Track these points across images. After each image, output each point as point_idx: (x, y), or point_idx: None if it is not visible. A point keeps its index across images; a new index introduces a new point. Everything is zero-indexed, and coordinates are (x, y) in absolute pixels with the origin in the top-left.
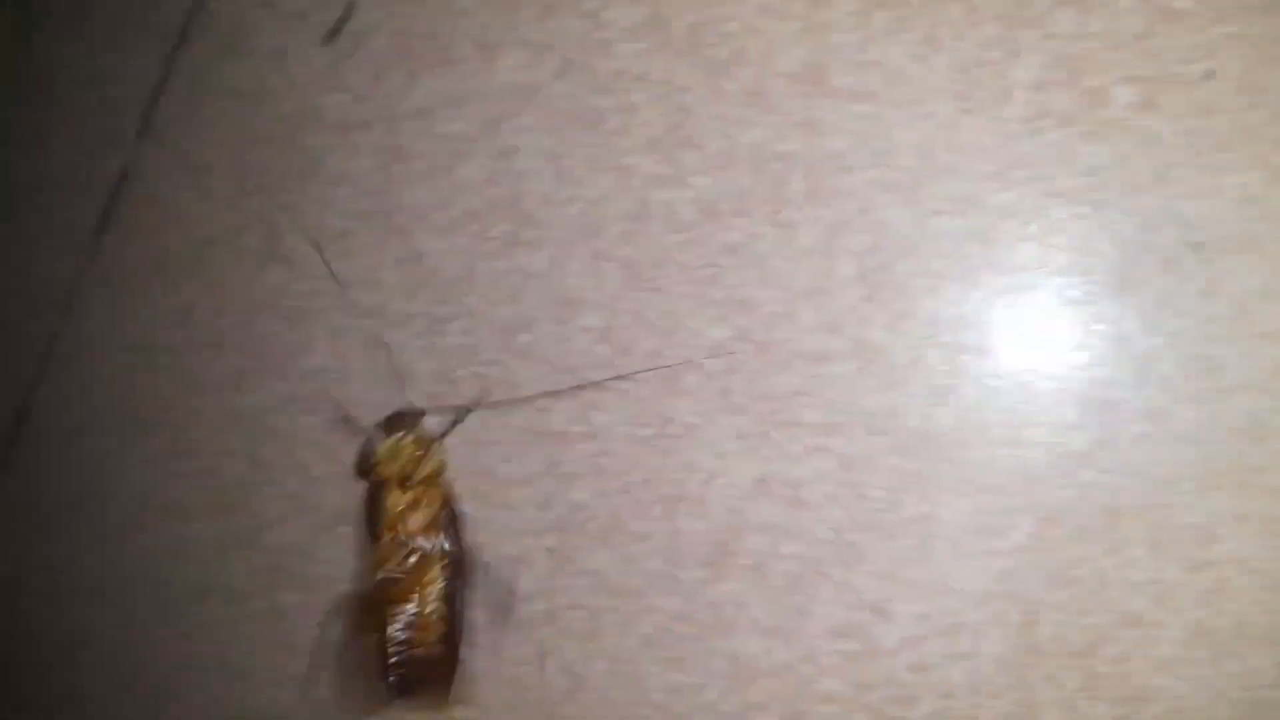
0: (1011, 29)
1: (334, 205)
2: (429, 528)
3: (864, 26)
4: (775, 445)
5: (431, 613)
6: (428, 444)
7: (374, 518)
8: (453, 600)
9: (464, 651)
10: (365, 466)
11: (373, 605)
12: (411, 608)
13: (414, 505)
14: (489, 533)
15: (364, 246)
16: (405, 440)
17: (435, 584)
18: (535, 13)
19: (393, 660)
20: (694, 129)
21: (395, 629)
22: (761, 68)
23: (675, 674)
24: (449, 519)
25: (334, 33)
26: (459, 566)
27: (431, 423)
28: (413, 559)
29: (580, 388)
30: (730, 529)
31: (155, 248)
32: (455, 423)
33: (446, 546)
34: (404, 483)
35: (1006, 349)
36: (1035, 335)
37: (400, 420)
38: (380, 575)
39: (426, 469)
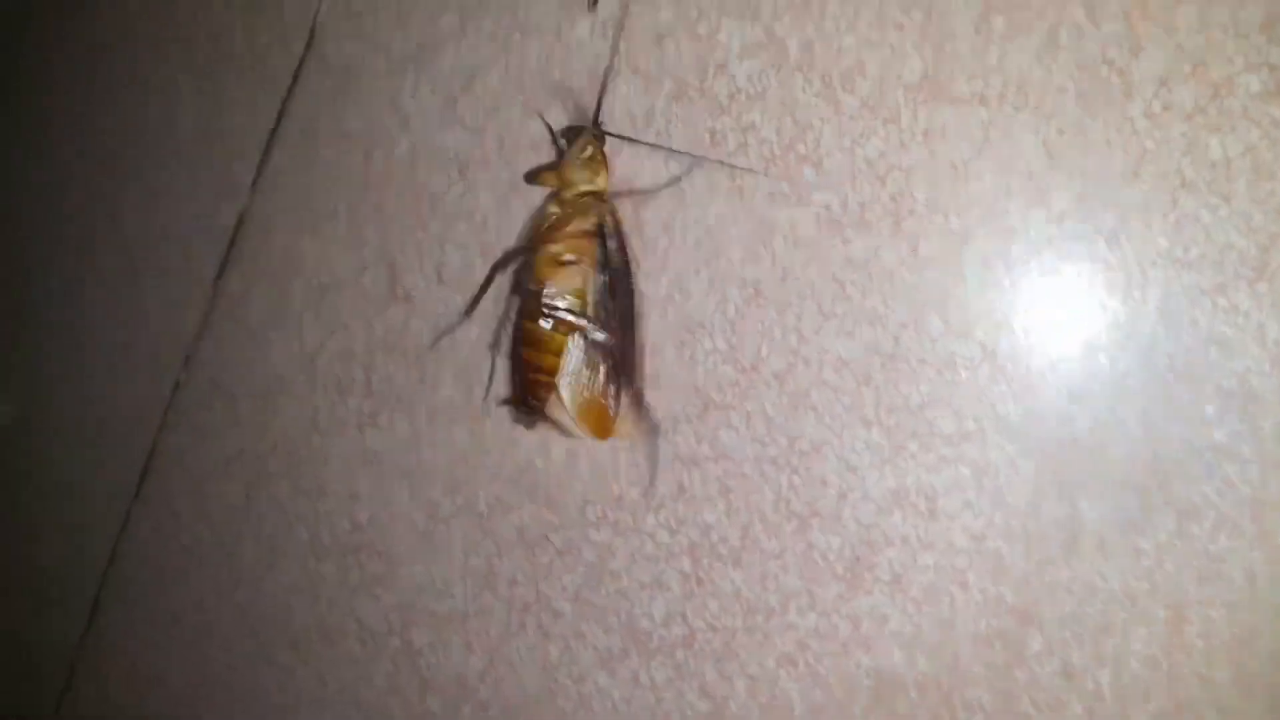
0: (1132, 25)
1: (453, 241)
2: (587, 243)
3: (983, 31)
4: (909, 456)
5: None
6: (604, 161)
7: (534, 230)
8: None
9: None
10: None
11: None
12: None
13: (579, 213)
14: (621, 559)
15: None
16: (595, 151)
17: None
18: (647, 39)
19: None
20: (812, 144)
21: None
22: (880, 79)
23: (816, 691)
24: (610, 230)
25: None
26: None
27: None
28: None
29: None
30: (866, 543)
31: (276, 293)
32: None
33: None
34: (575, 191)
35: (1141, 345)
36: (1170, 330)
37: (585, 134)
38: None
39: (597, 183)
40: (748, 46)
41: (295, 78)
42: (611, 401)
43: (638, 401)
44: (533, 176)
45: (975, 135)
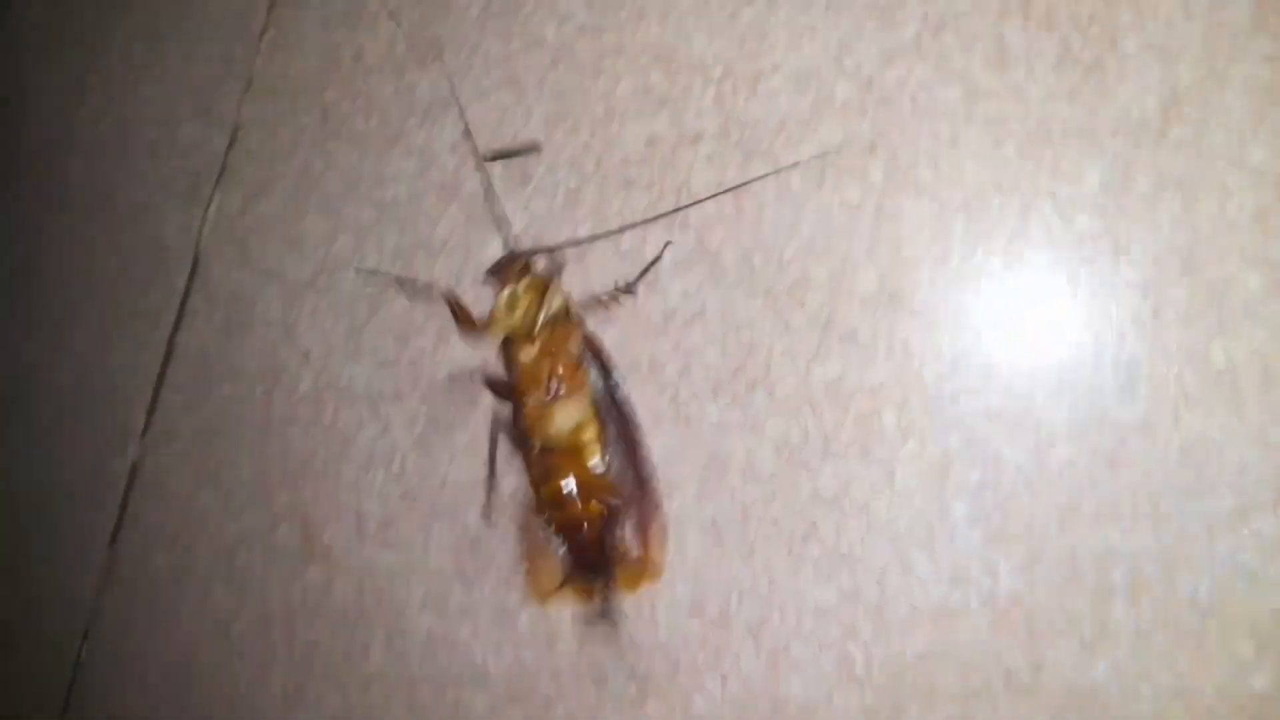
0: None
1: (371, 488)
2: (571, 372)
3: (942, 240)
4: None
5: (604, 467)
6: (543, 285)
7: (513, 382)
8: (621, 443)
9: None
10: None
11: (545, 482)
12: (592, 462)
13: (547, 352)
14: None
15: (410, 532)
16: (517, 288)
17: (594, 433)
18: (570, 254)
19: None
20: (761, 367)
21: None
22: (831, 291)
23: None
24: (591, 356)
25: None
26: (617, 406)
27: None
28: (564, 415)
29: None
30: None
31: (179, 555)
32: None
33: (599, 386)
34: (530, 334)
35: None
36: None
37: (508, 266)
38: (538, 447)
39: (550, 309)
40: (679, 262)
41: (181, 310)
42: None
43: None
44: (481, 330)
45: (949, 352)
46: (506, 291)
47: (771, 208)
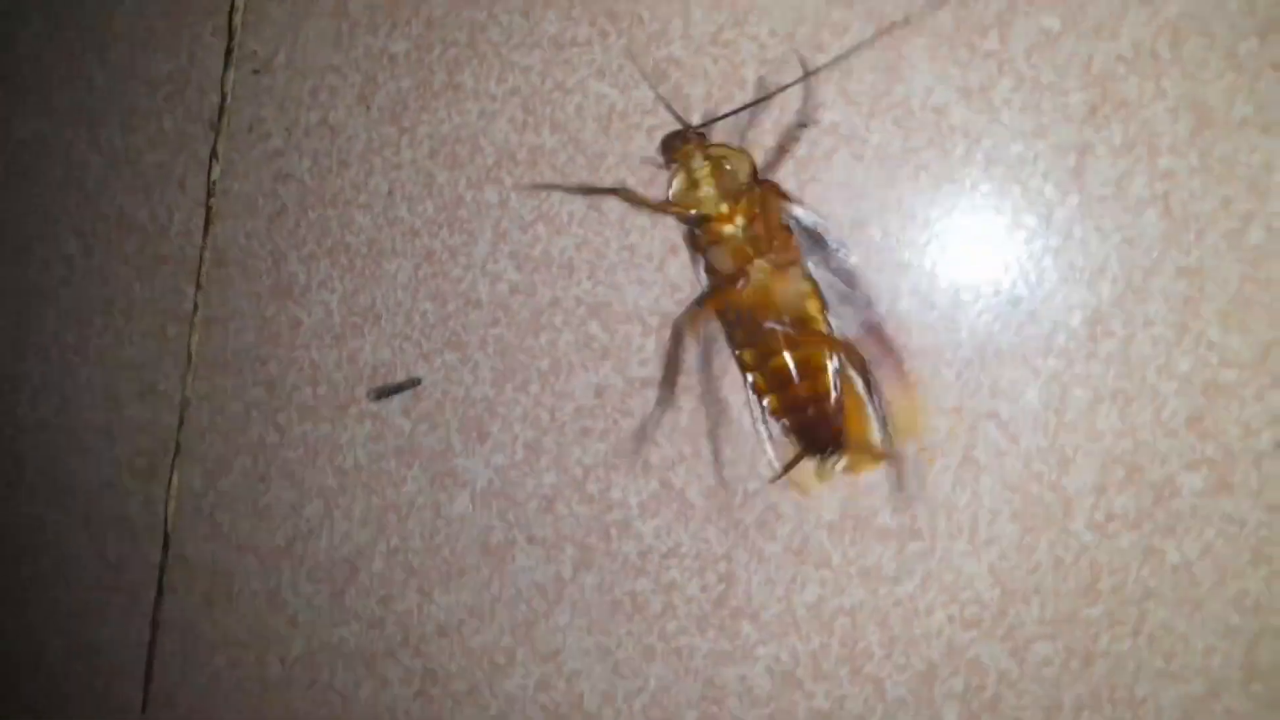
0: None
1: None
2: (782, 239)
3: (894, 462)
4: None
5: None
6: (722, 153)
7: (716, 269)
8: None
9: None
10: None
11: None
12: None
13: (749, 223)
14: None
15: None
16: (694, 164)
17: (818, 302)
18: (536, 506)
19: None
20: (743, 596)
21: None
22: (797, 521)
23: None
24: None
25: (385, 392)
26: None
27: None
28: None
29: None
30: None
31: None
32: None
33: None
34: (724, 208)
35: None
36: None
37: (679, 144)
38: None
39: (739, 177)
40: (645, 502)
41: (160, 586)
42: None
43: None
44: (664, 208)
45: (918, 568)
46: (683, 171)
47: (730, 444)
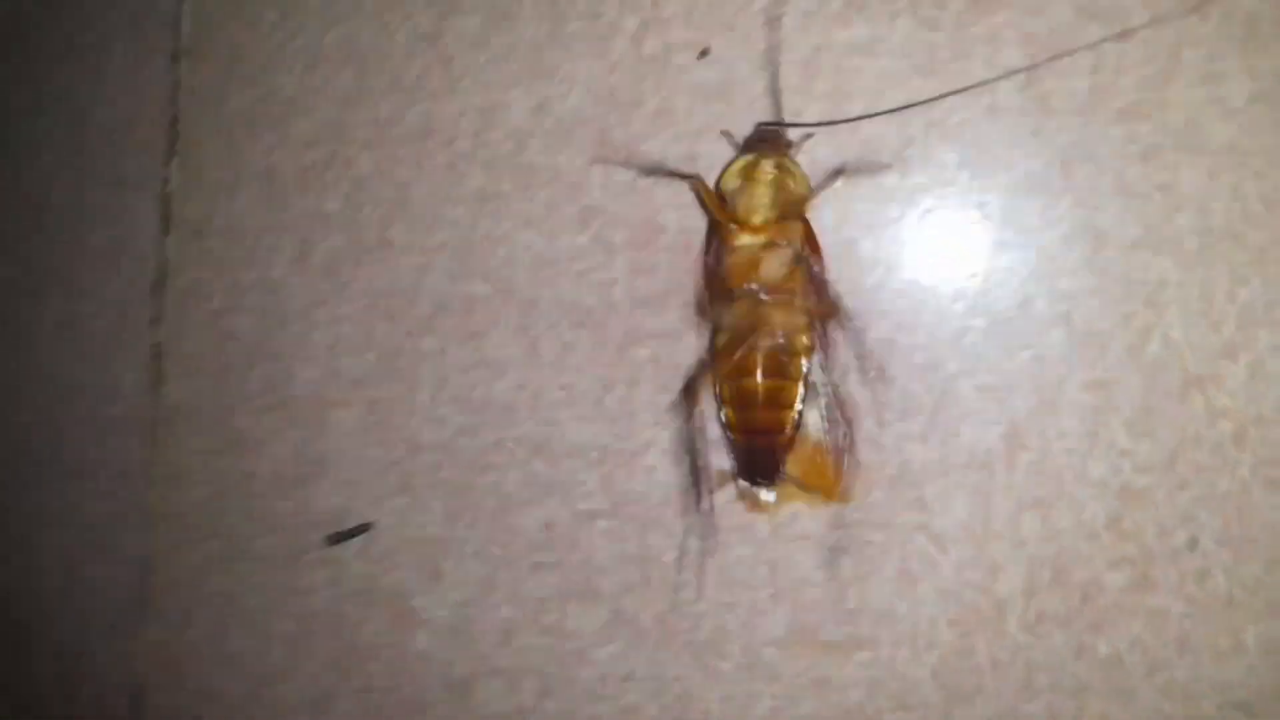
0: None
1: None
2: (791, 276)
3: (836, 578)
4: None
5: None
6: (793, 167)
7: (718, 267)
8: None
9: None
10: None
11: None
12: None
13: (769, 247)
14: None
15: None
16: (768, 161)
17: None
18: (495, 639)
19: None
20: (702, 713)
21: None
22: (746, 639)
23: None
24: (811, 267)
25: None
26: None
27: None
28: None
29: None
30: None
31: None
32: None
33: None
34: (764, 218)
35: None
36: None
37: (772, 135)
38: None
39: (789, 199)
40: (601, 629)
41: None
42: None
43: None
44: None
45: (862, 678)
46: (749, 164)
47: (675, 570)
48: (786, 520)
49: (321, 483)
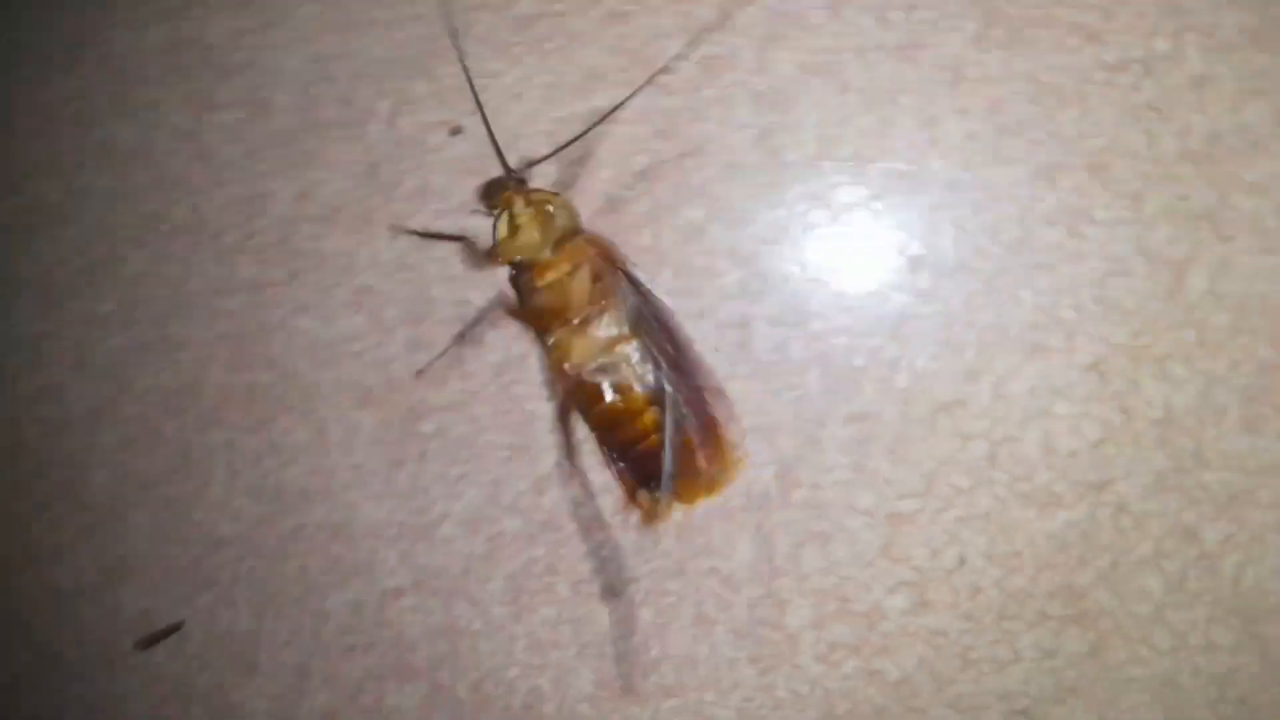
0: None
1: None
2: (599, 292)
3: (634, 629)
4: None
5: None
6: (544, 200)
7: (534, 314)
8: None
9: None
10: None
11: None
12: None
13: (571, 272)
14: None
15: None
16: (515, 210)
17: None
18: None
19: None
20: None
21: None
22: (559, 698)
23: None
24: (617, 273)
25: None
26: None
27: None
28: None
29: None
30: None
31: None
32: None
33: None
34: (544, 255)
35: None
36: None
37: (498, 190)
38: (572, 377)
39: (557, 227)
40: (420, 703)
41: None
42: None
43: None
44: (490, 260)
45: None
46: (506, 216)
47: (484, 638)
48: (586, 578)
49: (126, 586)
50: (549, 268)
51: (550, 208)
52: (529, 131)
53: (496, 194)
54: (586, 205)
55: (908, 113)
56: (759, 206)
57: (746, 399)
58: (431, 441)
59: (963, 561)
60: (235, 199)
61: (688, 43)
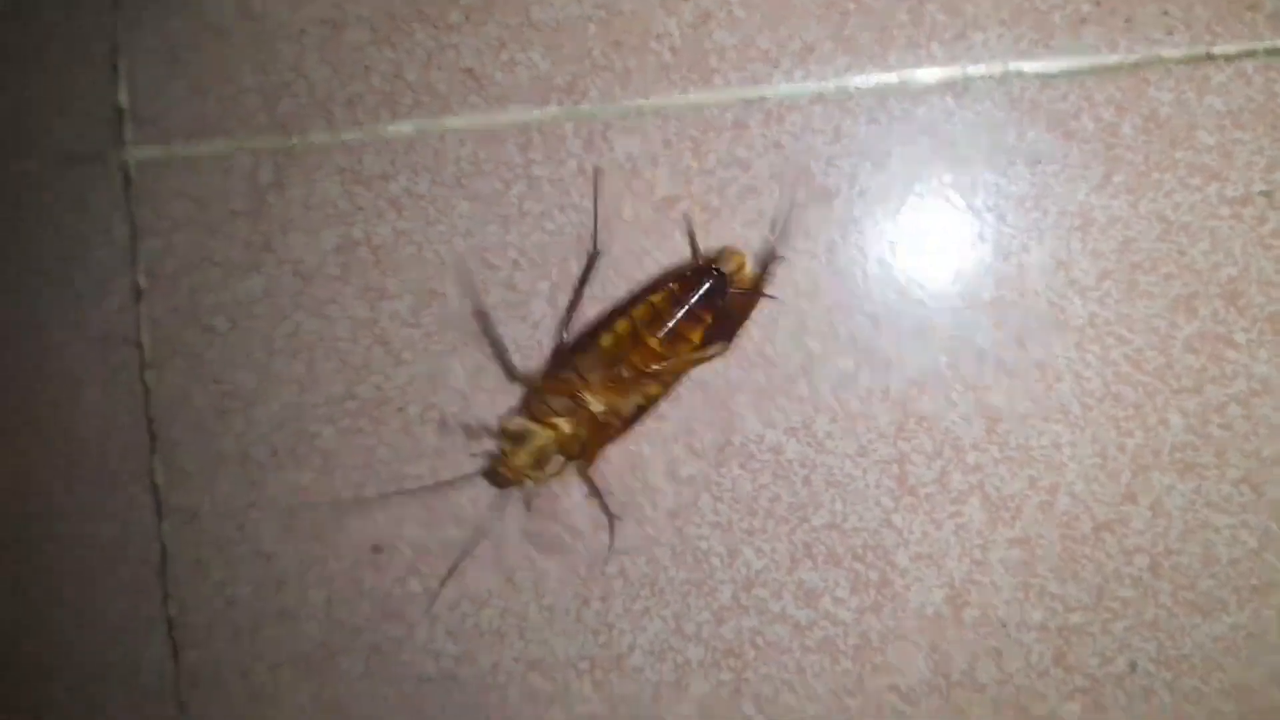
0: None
1: None
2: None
3: None
4: None
5: None
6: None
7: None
8: None
9: None
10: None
11: None
12: None
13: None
14: None
15: None
16: (514, 459)
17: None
18: None
19: None
20: None
21: None
22: None
23: None
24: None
25: None
26: None
27: None
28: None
29: None
30: None
31: None
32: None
33: None
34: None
35: None
36: None
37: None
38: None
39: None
40: None
41: None
42: None
43: None
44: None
45: None
46: (516, 465)
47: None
48: (770, 697)
49: None
50: (571, 440)
51: (535, 440)
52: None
53: (500, 477)
54: (743, 361)
55: (1043, 259)
56: (906, 352)
57: (910, 528)
58: (615, 581)
59: (1134, 666)
60: (416, 376)
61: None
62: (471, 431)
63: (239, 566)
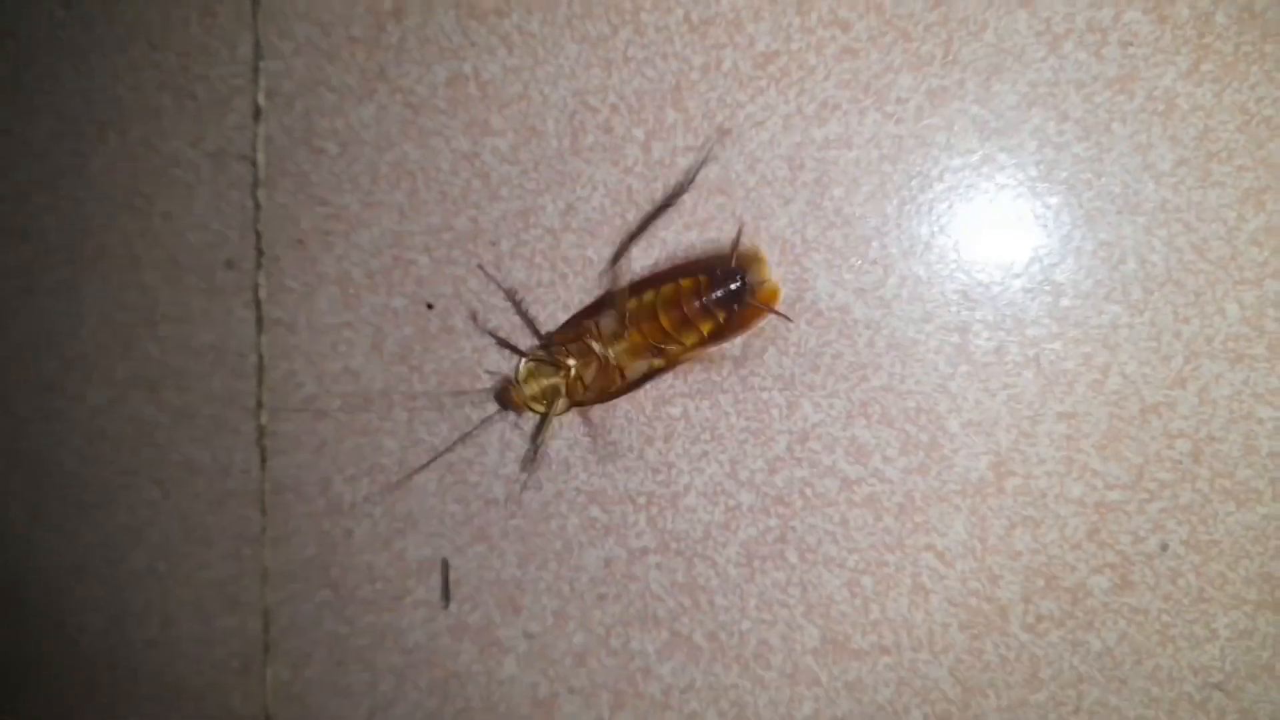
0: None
1: None
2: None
3: (859, 594)
4: None
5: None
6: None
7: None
8: None
9: None
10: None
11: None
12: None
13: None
14: None
15: None
16: (526, 386)
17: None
18: (572, 662)
19: None
20: (754, 717)
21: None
22: (785, 649)
23: None
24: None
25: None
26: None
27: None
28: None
29: None
30: None
31: None
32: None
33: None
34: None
35: None
36: None
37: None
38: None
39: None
40: (662, 648)
41: None
42: None
43: None
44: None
45: (890, 678)
46: (526, 389)
47: (720, 594)
48: (812, 547)
49: (411, 537)
50: (578, 381)
51: (533, 379)
52: (767, 156)
53: (507, 397)
54: (820, 221)
55: (1122, 140)
56: (980, 225)
57: (964, 395)
58: (678, 423)
59: (1165, 547)
60: (509, 212)
61: (915, 77)
62: (500, 342)
63: (329, 381)
